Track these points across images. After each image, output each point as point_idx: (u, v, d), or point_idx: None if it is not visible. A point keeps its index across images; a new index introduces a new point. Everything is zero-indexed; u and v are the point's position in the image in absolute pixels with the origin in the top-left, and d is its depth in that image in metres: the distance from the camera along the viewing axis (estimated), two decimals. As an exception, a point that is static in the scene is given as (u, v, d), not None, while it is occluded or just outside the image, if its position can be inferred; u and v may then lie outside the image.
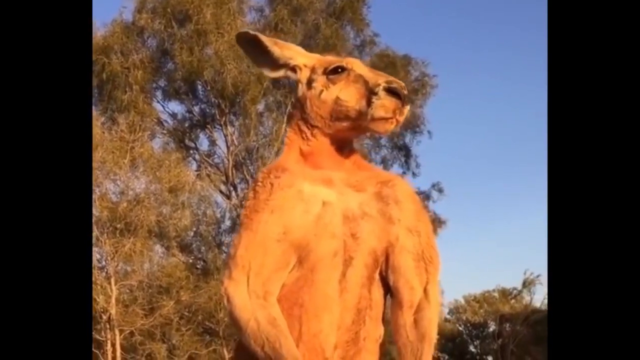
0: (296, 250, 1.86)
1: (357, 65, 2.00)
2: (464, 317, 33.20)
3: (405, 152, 19.75)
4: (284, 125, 17.20)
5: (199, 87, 18.46)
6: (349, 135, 2.03)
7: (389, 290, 1.96)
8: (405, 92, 1.91)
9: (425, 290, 1.93)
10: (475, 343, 33.24)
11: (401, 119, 1.91)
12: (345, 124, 1.96)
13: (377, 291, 1.94)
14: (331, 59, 2.06)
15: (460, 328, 33.65)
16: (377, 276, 1.93)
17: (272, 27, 17.69)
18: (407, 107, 1.92)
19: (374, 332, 1.94)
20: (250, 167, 18.78)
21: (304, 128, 2.02)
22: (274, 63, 2.07)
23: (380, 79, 1.92)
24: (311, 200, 1.88)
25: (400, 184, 2.01)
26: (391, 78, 1.94)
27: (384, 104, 1.89)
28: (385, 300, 1.97)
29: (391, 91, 1.90)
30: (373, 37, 18.80)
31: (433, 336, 1.92)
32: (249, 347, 1.80)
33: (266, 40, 2.05)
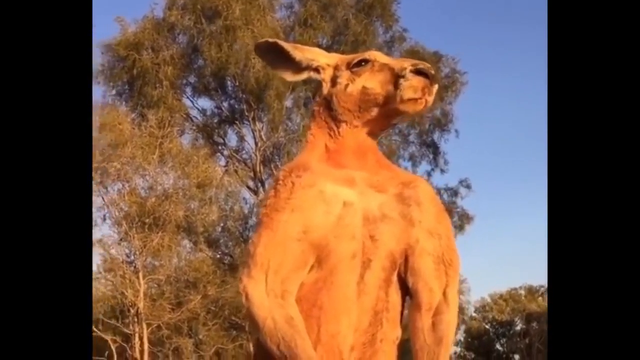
0: (315, 250, 1.85)
1: (380, 56, 2.00)
2: (491, 316, 32.97)
3: (433, 148, 19.60)
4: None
5: (228, 83, 18.48)
6: (378, 125, 2.01)
7: (407, 292, 1.95)
8: (433, 72, 1.90)
9: (444, 294, 1.92)
10: (501, 341, 33.02)
11: (430, 98, 1.90)
12: (374, 112, 1.95)
13: (395, 293, 1.93)
14: (353, 55, 2.06)
15: (487, 326, 33.42)
16: (394, 278, 1.92)
17: (302, 23, 17.64)
18: (436, 86, 1.91)
19: (391, 333, 1.93)
20: (278, 163, 18.77)
21: (331, 125, 2.00)
22: (297, 67, 2.05)
23: (405, 63, 1.93)
24: (332, 201, 1.87)
25: (422, 186, 2.00)
26: (417, 61, 1.93)
27: (412, 84, 1.88)
28: (404, 302, 1.97)
29: (418, 72, 1.89)
30: (402, 33, 18.66)
31: (451, 340, 1.91)
32: (265, 345, 1.79)
33: (286, 45, 2.04)
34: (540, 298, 31.10)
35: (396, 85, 1.88)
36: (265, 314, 1.79)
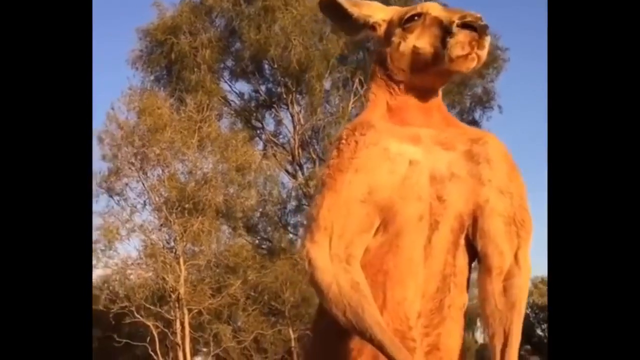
0: (380, 212, 1.77)
1: (434, 8, 1.87)
2: (531, 300, 32.50)
3: (475, 127, 19.25)
4: (350, 103, 16.94)
5: (266, 66, 18.39)
6: (434, 85, 1.92)
7: (474, 256, 1.86)
8: (482, 23, 1.77)
9: (515, 256, 1.82)
10: (542, 327, 32.55)
11: (482, 53, 1.78)
12: (426, 72, 1.85)
13: (462, 257, 1.84)
14: (407, 8, 1.95)
15: (527, 311, 32.99)
16: (462, 241, 1.84)
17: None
18: (487, 39, 1.78)
19: (459, 299, 1.85)
20: (316, 147, 18.65)
21: (390, 83, 1.91)
22: (355, 24, 1.97)
23: (454, 16, 1.80)
24: (397, 160, 1.79)
25: (492, 142, 1.89)
26: (466, 12, 1.80)
27: (458, 41, 1.76)
28: (470, 267, 1.88)
29: (466, 26, 1.76)
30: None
31: (523, 305, 1.81)
32: (330, 312, 1.73)
33: (344, 2, 1.95)
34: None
35: (444, 43, 1.78)
36: (330, 279, 1.72)
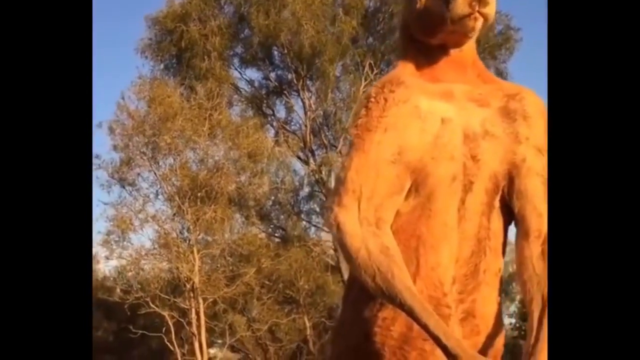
0: (412, 173, 1.70)
1: None
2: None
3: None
4: (362, 87, 16.78)
5: (275, 53, 18.33)
6: (455, 43, 1.80)
7: (511, 219, 1.78)
8: None
9: None
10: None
11: (487, 10, 1.68)
12: (441, 32, 1.75)
13: (497, 220, 1.75)
14: None
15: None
16: (497, 203, 1.75)
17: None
18: None
19: (494, 264, 1.76)
20: (327, 133, 18.55)
21: (416, 41, 1.83)
22: None
23: None
24: (428, 118, 1.71)
25: (530, 97, 1.79)
26: None
27: (458, 1, 1.67)
28: (506, 230, 1.80)
29: None
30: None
31: None
32: (359, 278, 1.66)
33: None
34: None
35: (447, 4, 1.70)
36: (359, 244, 1.64)
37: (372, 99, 1.74)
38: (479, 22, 1.70)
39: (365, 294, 1.70)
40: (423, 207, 1.71)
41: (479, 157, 1.71)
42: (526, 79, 43.53)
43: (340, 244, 1.69)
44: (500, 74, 18.64)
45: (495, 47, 18.20)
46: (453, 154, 1.70)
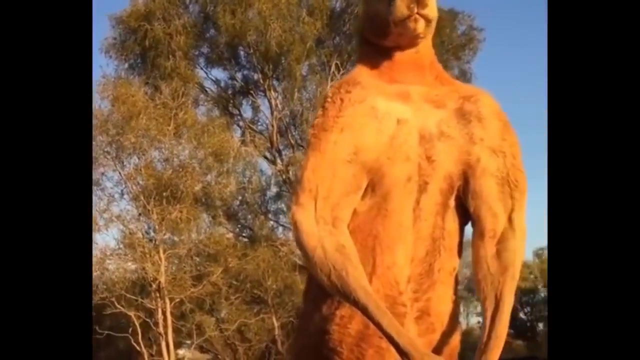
0: (368, 173, 1.73)
1: None
2: (513, 284, 32.56)
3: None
4: (327, 88, 16.79)
5: (242, 52, 18.28)
6: (407, 45, 1.83)
7: (467, 219, 1.82)
8: None
9: (509, 218, 1.78)
10: (525, 310, 32.77)
11: (425, 11, 1.72)
12: (388, 36, 1.79)
13: (452, 219, 1.80)
14: None
15: (509, 295, 33.05)
16: (452, 203, 1.79)
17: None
18: None
19: (449, 263, 1.80)
20: (294, 133, 18.57)
21: (374, 43, 1.86)
22: None
23: None
24: (385, 118, 1.75)
25: (485, 99, 1.84)
26: None
27: (397, 4, 1.71)
28: (462, 230, 1.84)
29: None
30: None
31: (517, 269, 1.77)
32: (316, 276, 1.70)
33: None
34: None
35: (390, 7, 1.74)
36: (315, 242, 1.68)
37: (329, 99, 1.78)
38: (420, 24, 1.73)
39: (323, 292, 1.73)
40: (379, 207, 1.74)
41: (434, 157, 1.75)
42: (490, 79, 43.92)
43: (298, 242, 1.73)
44: (464, 74, 18.84)
45: (459, 48, 18.40)
46: (409, 155, 1.74)
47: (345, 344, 1.77)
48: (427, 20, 1.73)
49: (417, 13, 1.71)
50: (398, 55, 1.83)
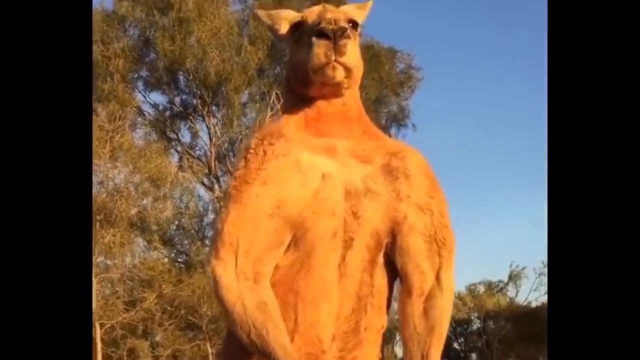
0: (291, 228, 1.69)
1: (312, 14, 1.78)
2: (448, 314, 32.90)
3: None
4: (267, 116, 17.04)
5: (181, 77, 18.33)
6: (330, 95, 1.79)
7: (396, 276, 1.79)
8: (335, 26, 1.67)
9: (437, 277, 1.75)
10: (459, 340, 33.20)
11: (343, 59, 1.68)
12: (310, 85, 1.75)
13: (381, 276, 1.76)
14: (298, 15, 1.84)
15: (445, 325, 33.38)
16: (380, 260, 1.75)
17: (255, 17, 17.53)
18: (344, 42, 1.67)
19: (376, 321, 1.76)
20: (233, 160, 18.62)
21: (300, 93, 1.82)
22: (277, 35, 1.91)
23: (315, 24, 1.71)
24: (309, 172, 1.70)
25: (412, 156, 1.81)
26: (323, 15, 1.72)
27: (314, 52, 1.68)
28: (391, 286, 1.80)
29: (322, 34, 1.67)
30: (357, 29, 18.78)
31: (444, 328, 1.74)
32: (235, 333, 1.65)
33: (263, 15, 1.91)
34: (499, 293, 31.32)
35: (308, 55, 1.70)
36: (235, 298, 1.63)
37: (252, 151, 1.72)
38: (339, 71, 1.69)
39: (243, 349, 1.69)
40: (302, 262, 1.69)
41: (360, 213, 1.71)
42: (427, 116, 45.02)
43: (217, 297, 1.67)
44: (403, 110, 19.40)
45: (397, 85, 18.97)
46: (334, 210, 1.70)
47: None
48: (347, 69, 1.69)
49: (335, 60, 1.67)
50: (324, 106, 1.79)
